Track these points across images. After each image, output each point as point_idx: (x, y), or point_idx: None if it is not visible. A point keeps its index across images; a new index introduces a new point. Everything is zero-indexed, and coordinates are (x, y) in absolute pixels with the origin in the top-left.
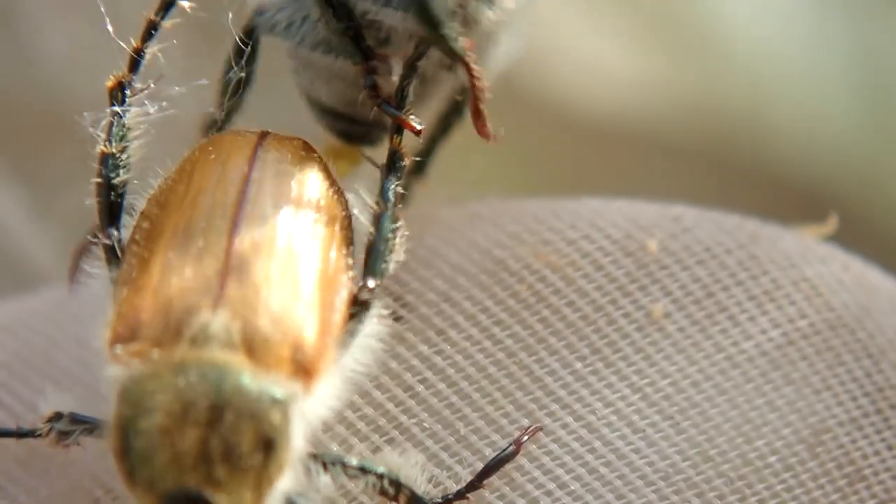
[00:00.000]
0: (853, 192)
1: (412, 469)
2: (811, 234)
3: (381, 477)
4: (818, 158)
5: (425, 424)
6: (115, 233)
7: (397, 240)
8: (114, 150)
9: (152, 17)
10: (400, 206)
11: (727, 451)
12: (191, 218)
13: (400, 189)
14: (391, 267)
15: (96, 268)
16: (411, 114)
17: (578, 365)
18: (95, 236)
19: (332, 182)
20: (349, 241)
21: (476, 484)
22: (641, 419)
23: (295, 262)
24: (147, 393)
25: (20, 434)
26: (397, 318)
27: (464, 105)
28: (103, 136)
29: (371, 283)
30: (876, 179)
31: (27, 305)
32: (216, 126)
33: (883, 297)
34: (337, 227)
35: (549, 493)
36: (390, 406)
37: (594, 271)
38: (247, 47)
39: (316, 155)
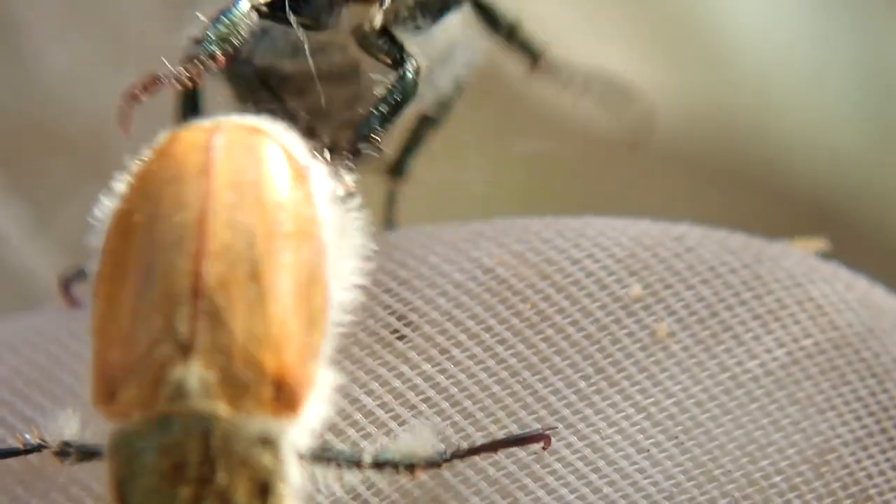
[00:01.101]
0: (860, 201)
1: (424, 446)
2: (802, 247)
3: (396, 466)
4: (824, 168)
5: None
6: None
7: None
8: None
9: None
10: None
11: (732, 471)
12: (152, 257)
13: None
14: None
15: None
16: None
17: (582, 384)
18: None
19: (296, 172)
20: (320, 238)
21: (491, 448)
22: (646, 439)
23: (267, 288)
24: (136, 452)
25: (24, 452)
26: (401, 337)
27: (439, 119)
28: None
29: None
30: (883, 189)
31: (28, 322)
32: None
33: (887, 317)
34: (307, 229)
35: None
36: (394, 425)
37: (598, 290)
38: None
39: (273, 143)
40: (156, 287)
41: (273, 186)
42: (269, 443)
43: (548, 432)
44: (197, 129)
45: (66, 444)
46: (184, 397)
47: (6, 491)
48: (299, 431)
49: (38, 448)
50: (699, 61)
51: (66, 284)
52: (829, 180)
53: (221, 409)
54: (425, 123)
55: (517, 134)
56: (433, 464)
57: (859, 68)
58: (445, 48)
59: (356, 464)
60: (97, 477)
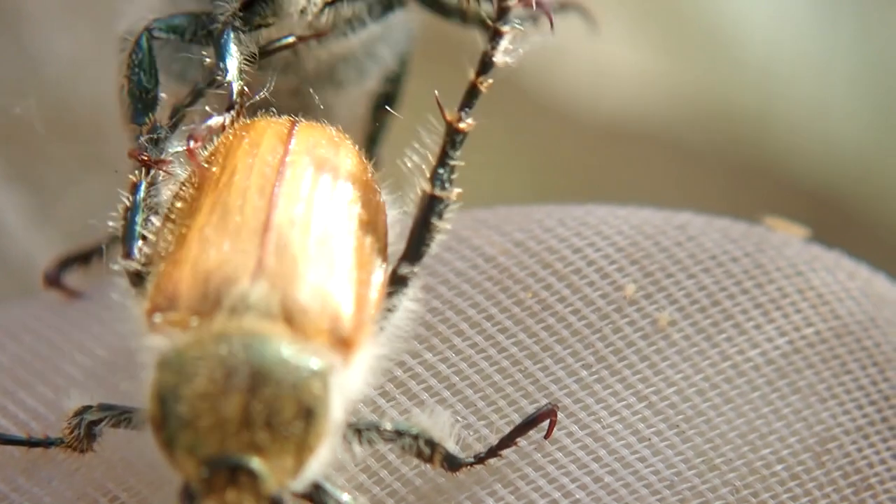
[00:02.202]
0: (862, 192)
1: (442, 430)
2: (782, 228)
3: (416, 438)
4: (828, 159)
5: None
6: (139, 255)
7: (443, 223)
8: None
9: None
10: (453, 188)
11: (733, 459)
12: (227, 196)
13: (455, 166)
14: (433, 248)
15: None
16: None
17: (584, 373)
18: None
19: (366, 165)
20: (385, 223)
21: (509, 442)
22: (647, 427)
23: (332, 239)
24: (189, 360)
25: (32, 443)
26: None
27: (393, 96)
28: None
29: (407, 269)
30: (885, 180)
31: (30, 310)
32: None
33: (889, 306)
34: (372, 209)
35: (554, 502)
36: (394, 414)
37: (599, 279)
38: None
39: (349, 140)
40: (229, 219)
41: (345, 162)
42: (319, 373)
43: (553, 406)
44: (276, 119)
45: (87, 405)
46: (244, 311)
47: (8, 480)
48: (349, 377)
49: (52, 442)
50: (703, 52)
51: (55, 278)
52: (831, 171)
53: (279, 329)
54: (380, 104)
55: (522, 124)
56: (453, 464)
57: (862, 59)
58: (386, 24)
59: (376, 429)
60: (100, 466)
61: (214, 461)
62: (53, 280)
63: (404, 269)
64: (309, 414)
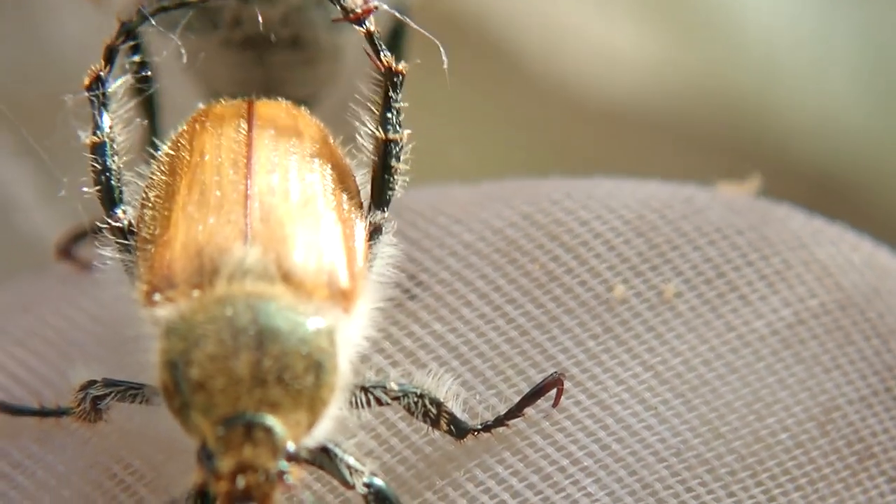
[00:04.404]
0: (864, 179)
1: (448, 396)
2: (733, 190)
3: (420, 396)
4: (830, 144)
5: None
6: (123, 213)
7: (401, 164)
8: (104, 139)
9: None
10: (403, 130)
11: (738, 428)
12: (203, 175)
13: (400, 105)
14: (398, 191)
15: (106, 252)
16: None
17: (591, 343)
18: (100, 223)
19: (325, 130)
20: (353, 179)
21: (517, 411)
22: (653, 397)
23: (311, 200)
24: (196, 325)
25: (45, 413)
26: (411, 297)
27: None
28: (90, 128)
29: (379, 216)
30: (889, 164)
31: (42, 283)
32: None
33: (893, 278)
34: (340, 167)
35: (562, 470)
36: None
37: (606, 251)
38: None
39: (305, 111)
40: (209, 195)
41: (308, 130)
42: (324, 328)
43: (559, 375)
44: (231, 101)
45: (92, 380)
46: (243, 276)
47: (22, 448)
48: (351, 327)
49: (63, 412)
50: (707, 38)
51: (67, 250)
52: (833, 156)
53: (280, 289)
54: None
55: (526, 107)
56: (463, 431)
57: (864, 44)
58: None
59: (382, 388)
60: (113, 434)
61: (230, 420)
62: (65, 252)
63: (377, 217)
64: (318, 367)
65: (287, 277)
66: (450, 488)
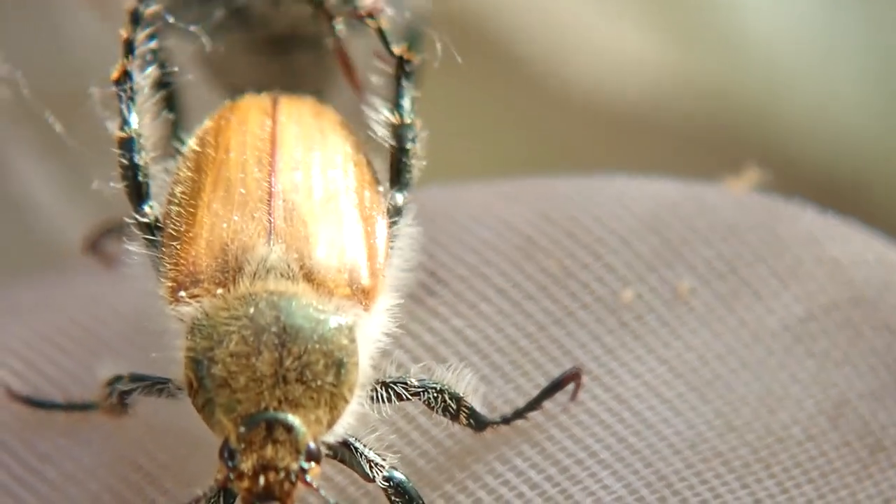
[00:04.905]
0: (869, 180)
1: (466, 389)
2: (735, 186)
3: (441, 392)
4: (834, 147)
5: None
6: (150, 209)
7: (418, 146)
8: (132, 134)
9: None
10: (416, 117)
11: (751, 421)
12: (228, 172)
13: (414, 93)
14: (415, 173)
15: (133, 247)
16: None
17: (608, 338)
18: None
19: (348, 126)
20: (374, 175)
21: (536, 404)
22: (669, 390)
23: (334, 198)
24: (219, 323)
25: (71, 407)
26: (431, 293)
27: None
28: (117, 122)
29: (401, 199)
30: (891, 167)
31: (65, 280)
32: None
33: None
34: (363, 164)
35: (579, 462)
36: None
37: (621, 247)
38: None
39: (327, 108)
40: (234, 193)
41: (331, 127)
42: (345, 325)
43: (578, 369)
44: (256, 96)
45: (118, 375)
46: (266, 274)
47: (50, 441)
48: (372, 325)
49: (89, 406)
50: (709, 39)
51: (95, 245)
52: (838, 159)
53: (302, 287)
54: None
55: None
56: (482, 424)
57: (869, 47)
58: None
59: (403, 384)
60: (138, 428)
61: (252, 418)
62: (93, 246)
63: (398, 199)
64: (339, 365)
65: (309, 276)
66: (469, 481)
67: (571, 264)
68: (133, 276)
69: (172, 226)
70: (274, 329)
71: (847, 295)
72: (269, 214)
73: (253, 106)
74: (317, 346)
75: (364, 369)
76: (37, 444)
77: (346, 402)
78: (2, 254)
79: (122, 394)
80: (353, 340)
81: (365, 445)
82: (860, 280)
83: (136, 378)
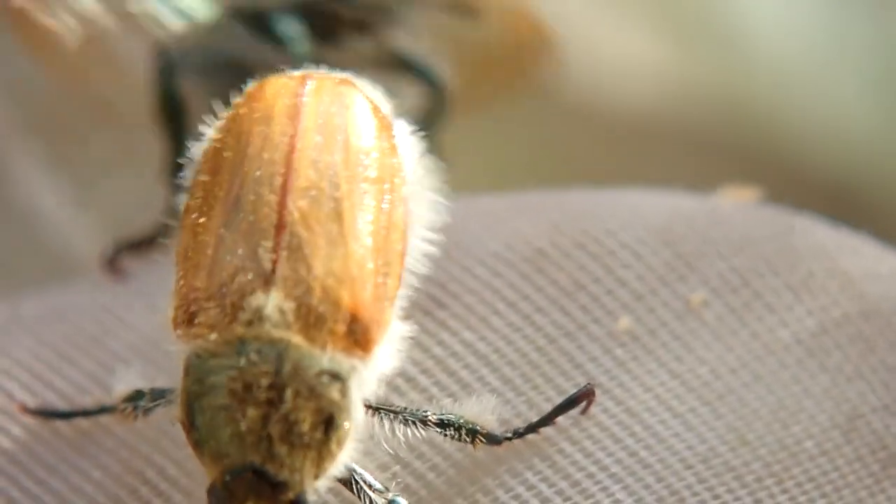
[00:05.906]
0: (877, 187)
1: (485, 413)
2: (735, 196)
3: (459, 429)
4: (841, 153)
5: None
6: None
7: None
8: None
9: None
10: None
11: (764, 435)
12: (240, 190)
13: None
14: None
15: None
16: None
17: (619, 351)
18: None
19: (381, 123)
20: (401, 186)
21: (549, 420)
22: (681, 404)
23: (347, 227)
24: (210, 370)
25: (79, 414)
26: (441, 306)
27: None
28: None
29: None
30: None
31: (74, 291)
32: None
33: None
34: (389, 175)
35: (590, 476)
36: (435, 391)
37: (634, 260)
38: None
39: (360, 93)
40: (242, 218)
41: (359, 133)
42: (338, 378)
43: (591, 387)
44: (287, 76)
45: (139, 391)
46: (261, 323)
47: (56, 452)
48: (368, 374)
49: (101, 410)
50: (716, 46)
51: (111, 260)
52: (846, 165)
53: (296, 338)
54: (435, 105)
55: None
56: (494, 440)
57: (875, 50)
58: None
59: (421, 420)
60: (146, 441)
61: (235, 470)
62: (112, 263)
63: None
64: (329, 421)
65: (304, 327)
66: (480, 494)
67: (583, 277)
68: (143, 292)
69: (183, 241)
70: (263, 383)
71: (859, 308)
72: (274, 252)
73: (278, 97)
74: (306, 400)
75: (357, 419)
76: (44, 456)
77: (335, 456)
78: (9, 265)
79: (145, 411)
80: (345, 394)
81: (372, 461)
82: (872, 293)
83: (157, 395)
